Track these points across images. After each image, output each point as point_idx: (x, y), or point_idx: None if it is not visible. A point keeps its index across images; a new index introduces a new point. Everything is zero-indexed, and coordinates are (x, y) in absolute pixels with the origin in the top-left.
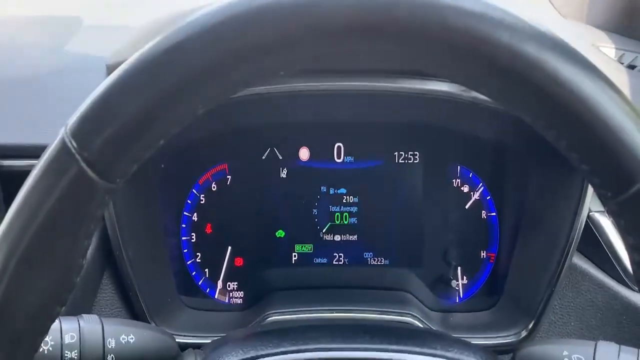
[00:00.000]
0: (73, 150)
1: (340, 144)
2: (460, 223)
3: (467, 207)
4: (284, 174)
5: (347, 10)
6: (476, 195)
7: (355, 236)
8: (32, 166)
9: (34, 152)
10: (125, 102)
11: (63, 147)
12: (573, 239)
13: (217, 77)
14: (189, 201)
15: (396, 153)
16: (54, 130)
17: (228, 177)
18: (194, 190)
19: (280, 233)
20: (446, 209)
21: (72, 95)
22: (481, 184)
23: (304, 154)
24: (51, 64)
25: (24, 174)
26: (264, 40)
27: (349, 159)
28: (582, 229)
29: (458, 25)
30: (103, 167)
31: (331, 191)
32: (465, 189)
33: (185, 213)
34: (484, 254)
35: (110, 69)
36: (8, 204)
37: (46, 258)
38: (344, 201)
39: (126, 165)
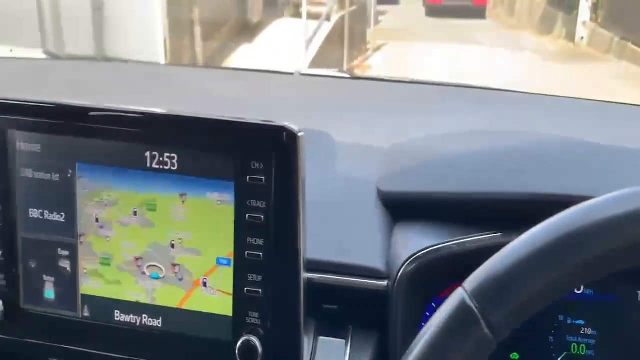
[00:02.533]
0: (476, 312)
1: None
2: None
3: None
4: None
5: None
6: None
7: None
8: (334, 280)
9: (332, 267)
10: (535, 273)
11: (465, 308)
12: None
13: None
14: (427, 313)
15: (638, 292)
16: (346, 252)
17: None
18: (433, 303)
19: (514, 355)
20: None
21: (351, 221)
22: None
23: None
24: (327, 182)
25: (325, 286)
26: None
27: (589, 291)
28: None
29: None
30: (500, 330)
31: (568, 321)
32: None
33: (423, 324)
34: None
35: (382, 195)
36: (310, 314)
37: None
38: (581, 332)
39: (516, 326)
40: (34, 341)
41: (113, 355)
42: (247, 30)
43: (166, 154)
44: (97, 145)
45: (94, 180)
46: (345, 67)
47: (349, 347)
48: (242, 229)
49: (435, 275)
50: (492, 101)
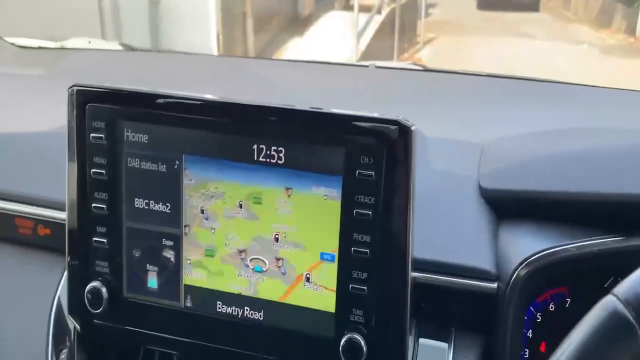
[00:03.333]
0: (633, 322)
1: None
2: None
3: None
4: None
5: None
6: None
7: None
8: (440, 280)
9: (438, 267)
10: None
11: (620, 317)
12: None
13: None
14: (524, 317)
15: None
16: (451, 251)
17: (567, 299)
18: (531, 307)
19: None
20: None
21: (453, 218)
22: None
23: None
24: (424, 177)
25: (430, 286)
26: None
27: None
28: None
29: None
30: None
31: None
32: None
33: (524, 330)
34: None
35: (486, 192)
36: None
37: None
38: None
39: None
40: (135, 329)
41: (214, 346)
42: (298, 23)
43: (273, 147)
44: (204, 137)
45: (200, 172)
46: (394, 60)
47: (451, 352)
48: (349, 225)
49: (541, 279)
50: (564, 95)
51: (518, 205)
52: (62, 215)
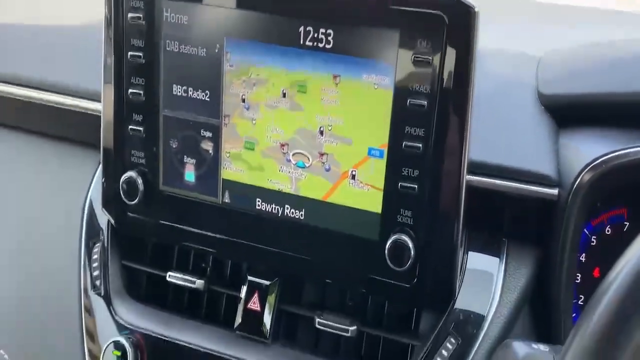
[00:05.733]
0: None
1: None
2: None
3: None
4: None
5: None
6: None
7: None
8: (496, 185)
9: (495, 171)
10: None
11: None
12: None
13: None
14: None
15: None
16: (508, 154)
17: (626, 223)
18: (585, 230)
19: None
20: None
21: (511, 123)
22: None
23: None
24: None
25: (485, 191)
26: None
27: None
28: None
29: None
30: None
31: None
32: None
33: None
34: None
35: (546, 99)
36: None
37: None
38: None
39: None
40: (170, 224)
41: (252, 244)
42: None
43: (321, 30)
44: (247, 18)
45: (242, 56)
46: None
47: (503, 265)
48: (401, 117)
49: (606, 188)
50: (613, 21)
51: (580, 110)
52: (99, 106)
